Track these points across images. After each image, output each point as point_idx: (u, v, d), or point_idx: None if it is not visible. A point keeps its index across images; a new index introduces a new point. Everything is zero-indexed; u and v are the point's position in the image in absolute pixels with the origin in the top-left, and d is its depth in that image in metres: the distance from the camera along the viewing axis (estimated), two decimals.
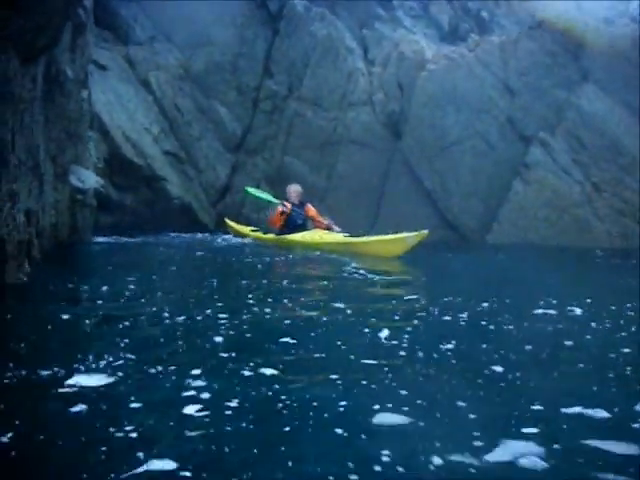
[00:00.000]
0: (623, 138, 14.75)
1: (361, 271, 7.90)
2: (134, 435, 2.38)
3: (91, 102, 12.44)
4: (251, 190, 14.22)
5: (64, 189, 10.09)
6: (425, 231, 9.87)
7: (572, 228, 14.72)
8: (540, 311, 5.13)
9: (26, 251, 6.27)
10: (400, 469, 2.13)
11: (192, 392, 2.83)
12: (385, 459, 2.19)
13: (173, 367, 3.22)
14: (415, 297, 5.88)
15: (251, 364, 3.29)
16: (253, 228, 13.87)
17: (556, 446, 2.32)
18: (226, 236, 14.42)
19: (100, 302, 5.15)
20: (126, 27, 17.52)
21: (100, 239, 12.07)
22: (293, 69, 17.35)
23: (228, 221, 15.06)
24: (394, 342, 3.90)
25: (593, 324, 4.68)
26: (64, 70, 10.06)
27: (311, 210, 12.75)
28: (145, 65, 17.24)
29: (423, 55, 16.53)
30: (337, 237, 11.36)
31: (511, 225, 15.01)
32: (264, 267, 8.72)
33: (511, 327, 4.51)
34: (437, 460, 2.18)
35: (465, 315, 4.87)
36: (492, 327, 4.50)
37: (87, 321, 4.44)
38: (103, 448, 2.26)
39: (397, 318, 4.75)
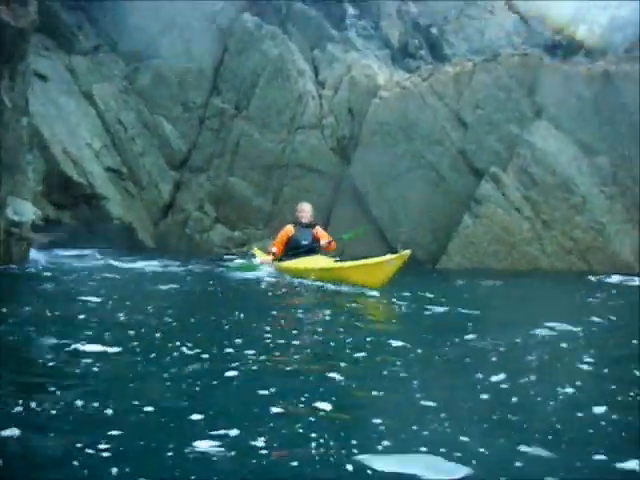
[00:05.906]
0: (574, 177, 14.55)
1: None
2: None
3: (30, 114, 11.86)
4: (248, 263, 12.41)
5: None
6: (407, 251, 9.16)
7: (521, 265, 14.51)
8: None
9: None
10: None
11: None
12: None
13: None
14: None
15: None
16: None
17: None
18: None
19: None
20: (69, 34, 16.89)
21: None
22: (242, 87, 16.83)
23: (257, 250, 13.32)
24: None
25: None
26: (2, 99, 9.66)
27: (319, 234, 11.74)
28: (88, 76, 16.73)
29: (375, 80, 16.13)
30: (322, 263, 10.65)
31: (460, 257, 14.74)
32: None
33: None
34: None
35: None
36: None
37: None
38: None
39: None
